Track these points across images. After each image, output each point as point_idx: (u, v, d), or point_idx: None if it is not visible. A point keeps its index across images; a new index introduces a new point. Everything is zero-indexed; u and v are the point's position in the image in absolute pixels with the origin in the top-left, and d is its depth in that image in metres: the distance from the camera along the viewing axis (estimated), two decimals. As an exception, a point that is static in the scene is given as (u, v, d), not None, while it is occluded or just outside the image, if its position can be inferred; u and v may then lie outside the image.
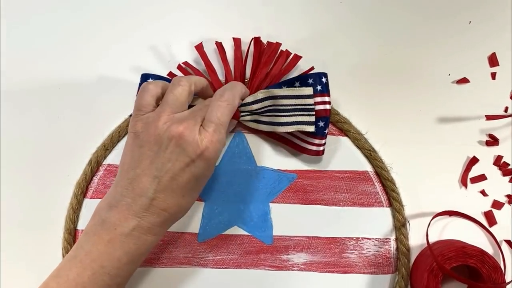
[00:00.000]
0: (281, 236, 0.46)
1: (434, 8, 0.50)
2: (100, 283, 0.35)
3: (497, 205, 0.47)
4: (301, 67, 0.48)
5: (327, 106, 0.43)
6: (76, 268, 0.35)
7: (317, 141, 0.44)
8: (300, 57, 0.48)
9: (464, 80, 0.49)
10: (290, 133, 0.45)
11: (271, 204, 0.47)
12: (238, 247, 0.46)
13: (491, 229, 0.46)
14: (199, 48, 0.48)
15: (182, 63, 0.48)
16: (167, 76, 0.47)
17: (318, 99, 0.43)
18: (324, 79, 0.44)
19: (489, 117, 0.47)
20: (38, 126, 0.48)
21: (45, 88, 0.49)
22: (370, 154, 0.47)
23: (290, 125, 0.43)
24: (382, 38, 0.49)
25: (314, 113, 0.43)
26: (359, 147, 0.47)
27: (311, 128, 0.43)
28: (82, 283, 0.34)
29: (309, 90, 0.43)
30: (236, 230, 0.46)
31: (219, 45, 0.48)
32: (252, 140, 0.47)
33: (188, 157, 0.35)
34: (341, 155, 0.47)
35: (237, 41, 0.48)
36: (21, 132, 0.48)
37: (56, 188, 0.47)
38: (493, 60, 0.49)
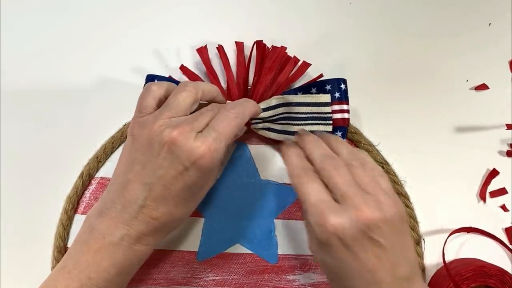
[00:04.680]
0: (286, 255, 0.45)
1: (451, 8, 0.49)
2: None
3: (518, 221, 0.46)
4: (310, 74, 0.47)
5: (346, 115, 0.43)
6: (64, 280, 0.34)
7: None
8: (309, 64, 0.47)
9: (483, 87, 0.48)
10: None
11: (275, 221, 0.45)
12: (240, 266, 0.45)
13: (512, 247, 0.46)
14: (201, 51, 0.47)
15: (179, 67, 0.47)
16: (174, 78, 0.46)
17: (336, 107, 0.42)
18: (343, 86, 0.43)
19: (510, 126, 0.46)
20: (25, 136, 0.47)
21: (33, 95, 0.47)
22: (382, 167, 0.46)
23: None
24: (395, 42, 0.49)
25: (331, 122, 0.42)
26: (371, 159, 0.47)
27: None
28: None
29: (326, 98, 0.42)
30: (238, 249, 0.45)
31: (221, 49, 0.47)
32: (256, 152, 0.46)
33: (181, 165, 0.34)
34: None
35: (239, 45, 0.47)
36: (6, 142, 0.47)
37: (45, 203, 0.45)
38: (514, 65, 0.49)
